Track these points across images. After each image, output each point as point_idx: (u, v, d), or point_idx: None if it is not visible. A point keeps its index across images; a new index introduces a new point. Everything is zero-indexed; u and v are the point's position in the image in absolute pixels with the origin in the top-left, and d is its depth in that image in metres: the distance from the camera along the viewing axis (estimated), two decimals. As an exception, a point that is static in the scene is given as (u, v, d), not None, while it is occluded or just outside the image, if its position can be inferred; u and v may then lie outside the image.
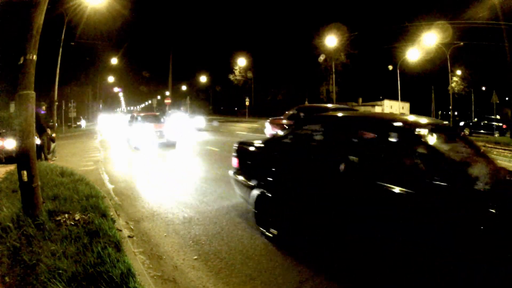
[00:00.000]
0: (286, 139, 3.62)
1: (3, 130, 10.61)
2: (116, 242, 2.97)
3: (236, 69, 46.09)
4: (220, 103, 57.78)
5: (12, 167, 6.52)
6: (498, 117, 22.86)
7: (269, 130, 10.38)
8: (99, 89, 48.73)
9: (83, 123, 33.61)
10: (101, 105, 52.43)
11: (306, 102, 34.66)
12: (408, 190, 2.18)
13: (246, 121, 30.16)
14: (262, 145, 3.77)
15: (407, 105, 46.52)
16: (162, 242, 3.45)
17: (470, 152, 2.74)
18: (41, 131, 7.85)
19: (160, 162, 8.75)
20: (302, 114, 7.87)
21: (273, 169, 3.41)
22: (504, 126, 21.21)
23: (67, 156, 9.71)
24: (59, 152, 9.56)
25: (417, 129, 2.45)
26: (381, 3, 43.46)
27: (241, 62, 44.56)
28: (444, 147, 2.58)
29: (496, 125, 21.12)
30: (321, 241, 3.15)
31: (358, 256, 2.72)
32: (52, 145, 8.88)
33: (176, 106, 49.67)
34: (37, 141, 7.10)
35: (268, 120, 10.94)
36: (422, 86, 40.84)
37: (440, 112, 48.25)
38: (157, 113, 16.57)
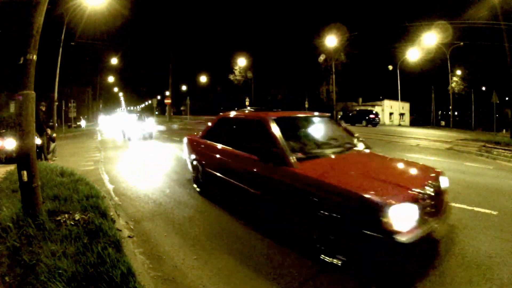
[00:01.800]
0: None
1: (3, 130, 10.61)
2: (116, 242, 2.97)
3: (236, 69, 46.06)
4: (220, 103, 57.73)
5: (12, 167, 6.51)
6: (374, 109, 29.31)
7: None
8: (99, 89, 48.80)
9: (83, 123, 33.60)
10: (101, 105, 52.48)
11: (306, 103, 34.63)
12: None
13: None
14: None
15: (407, 105, 46.32)
16: (162, 242, 3.44)
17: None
18: (41, 131, 7.85)
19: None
20: None
21: None
22: (373, 116, 25.89)
23: (67, 156, 9.71)
24: (59, 152, 9.56)
25: None
26: (381, 3, 43.45)
27: (241, 62, 44.52)
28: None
29: (367, 117, 27.00)
30: None
31: None
32: (52, 145, 8.88)
33: (177, 106, 49.55)
34: (37, 141, 7.11)
35: None
36: (422, 86, 40.94)
37: (440, 112, 48.23)
38: (311, 113, 4.74)
